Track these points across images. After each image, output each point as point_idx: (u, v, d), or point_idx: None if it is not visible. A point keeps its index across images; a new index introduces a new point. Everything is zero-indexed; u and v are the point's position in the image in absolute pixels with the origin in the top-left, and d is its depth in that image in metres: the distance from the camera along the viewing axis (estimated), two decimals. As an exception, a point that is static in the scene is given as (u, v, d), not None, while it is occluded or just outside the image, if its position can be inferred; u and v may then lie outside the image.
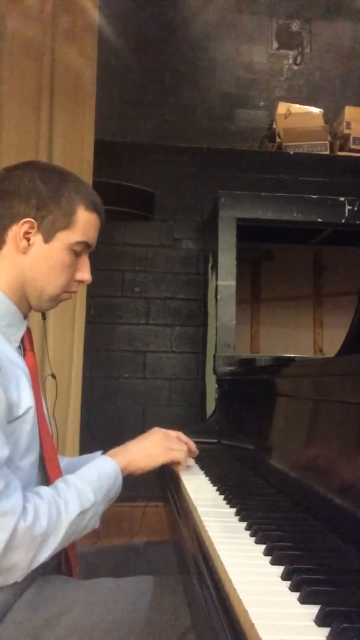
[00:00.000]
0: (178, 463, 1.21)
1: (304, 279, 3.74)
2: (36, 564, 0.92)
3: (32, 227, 1.06)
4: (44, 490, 0.98)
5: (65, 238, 1.08)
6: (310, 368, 1.20)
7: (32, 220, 1.06)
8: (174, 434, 1.26)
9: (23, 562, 0.90)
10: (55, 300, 1.13)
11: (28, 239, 1.06)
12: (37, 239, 1.07)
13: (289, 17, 3.95)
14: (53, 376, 1.30)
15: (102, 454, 1.28)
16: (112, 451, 1.15)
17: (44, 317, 1.23)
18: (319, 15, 3.98)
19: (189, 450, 1.27)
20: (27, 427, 1.01)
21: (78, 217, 1.08)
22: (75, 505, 0.98)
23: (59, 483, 1.02)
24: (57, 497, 0.97)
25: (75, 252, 1.10)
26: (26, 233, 1.06)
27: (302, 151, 3.44)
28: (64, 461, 1.30)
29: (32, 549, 0.91)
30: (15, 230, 1.06)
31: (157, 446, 1.17)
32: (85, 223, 1.09)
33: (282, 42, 3.95)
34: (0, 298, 1.06)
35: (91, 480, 1.03)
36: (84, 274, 1.13)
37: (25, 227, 1.06)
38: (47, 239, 1.07)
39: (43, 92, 2.83)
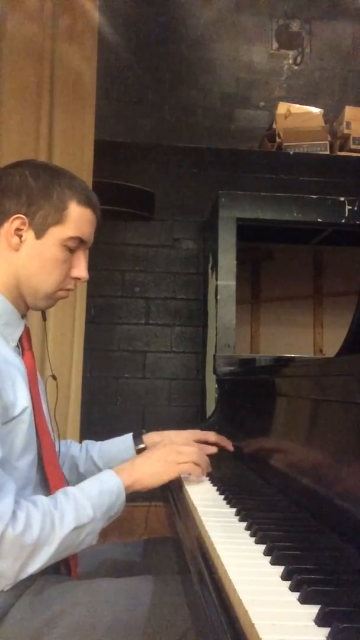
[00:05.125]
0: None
1: (304, 279, 3.74)
2: (24, 575, 0.90)
3: (23, 224, 1.06)
4: (41, 499, 0.96)
5: (58, 233, 1.07)
6: (310, 368, 1.19)
7: (23, 216, 1.05)
8: (189, 435, 1.26)
9: (9, 571, 0.89)
10: (52, 298, 1.11)
11: (20, 236, 1.06)
12: (29, 235, 1.06)
13: (289, 17, 3.95)
14: (54, 377, 1.29)
15: (134, 436, 1.31)
16: (119, 467, 1.11)
17: (44, 317, 1.22)
18: (319, 15, 3.98)
19: (225, 447, 1.24)
20: (24, 427, 1.00)
21: (70, 212, 1.07)
22: (71, 520, 0.95)
23: (59, 494, 0.99)
24: (53, 509, 0.94)
25: (69, 248, 1.08)
26: (17, 229, 1.06)
27: (302, 151, 3.44)
28: (95, 447, 1.30)
29: (20, 559, 0.89)
30: (7, 227, 1.06)
31: (164, 462, 1.12)
32: (78, 218, 1.08)
33: (282, 42, 3.95)
34: None
35: (92, 495, 1.00)
36: (81, 271, 1.11)
37: (17, 223, 1.05)
38: (39, 235, 1.06)
39: (43, 92, 2.83)
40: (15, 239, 1.06)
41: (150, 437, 1.32)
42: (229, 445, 1.43)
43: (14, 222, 1.05)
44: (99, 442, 1.33)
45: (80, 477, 1.23)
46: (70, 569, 1.09)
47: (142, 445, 1.30)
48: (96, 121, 2.94)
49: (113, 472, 1.08)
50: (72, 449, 1.33)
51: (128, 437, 1.31)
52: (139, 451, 1.29)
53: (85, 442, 1.33)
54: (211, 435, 1.37)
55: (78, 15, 2.90)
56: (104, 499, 1.01)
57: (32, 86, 2.82)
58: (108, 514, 1.02)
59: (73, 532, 0.95)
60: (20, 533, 0.87)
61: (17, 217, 1.05)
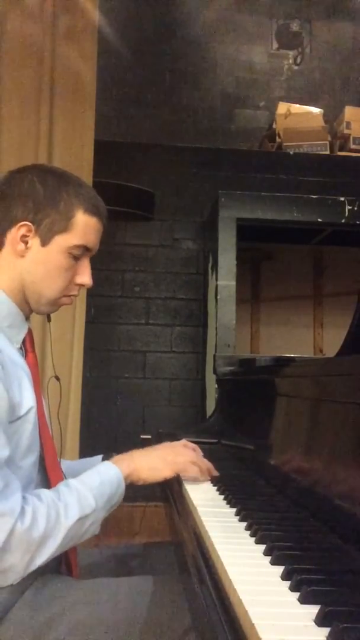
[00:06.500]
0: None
1: (304, 279, 3.74)
2: (32, 568, 0.92)
3: (29, 231, 1.06)
4: (45, 493, 0.98)
5: (63, 241, 1.07)
6: (310, 368, 1.20)
7: (30, 223, 1.06)
8: (184, 445, 1.25)
9: (19, 565, 0.90)
10: (55, 304, 1.12)
11: (26, 242, 1.06)
12: (34, 242, 1.06)
13: (289, 17, 3.95)
14: (57, 378, 1.29)
15: (103, 459, 1.28)
16: (117, 457, 1.14)
17: (49, 319, 1.22)
18: (319, 15, 3.98)
19: (209, 472, 1.23)
20: (29, 427, 1.01)
21: (76, 221, 1.08)
22: (75, 511, 0.97)
23: (61, 487, 1.01)
24: (57, 500, 0.96)
25: (74, 256, 1.09)
26: (23, 236, 1.06)
27: (302, 151, 3.44)
28: (64, 464, 1.30)
29: (28, 552, 0.90)
30: (14, 234, 1.06)
31: (162, 460, 1.14)
32: (84, 226, 1.08)
33: (282, 42, 3.95)
34: (2, 299, 1.06)
35: (93, 487, 1.02)
36: (85, 277, 1.12)
37: (23, 230, 1.06)
38: (45, 242, 1.06)
39: (43, 92, 2.83)
40: (21, 246, 1.06)
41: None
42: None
43: (20, 229, 1.06)
44: (67, 461, 1.31)
45: None
46: (71, 568, 1.09)
47: None
48: (96, 121, 2.94)
49: (112, 463, 1.10)
50: None
51: (97, 459, 1.31)
52: None
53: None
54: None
55: (78, 15, 2.91)
56: (104, 489, 1.03)
57: (32, 86, 2.82)
58: (109, 503, 1.04)
59: (77, 522, 0.97)
60: (28, 527, 0.89)
61: (24, 224, 1.06)
